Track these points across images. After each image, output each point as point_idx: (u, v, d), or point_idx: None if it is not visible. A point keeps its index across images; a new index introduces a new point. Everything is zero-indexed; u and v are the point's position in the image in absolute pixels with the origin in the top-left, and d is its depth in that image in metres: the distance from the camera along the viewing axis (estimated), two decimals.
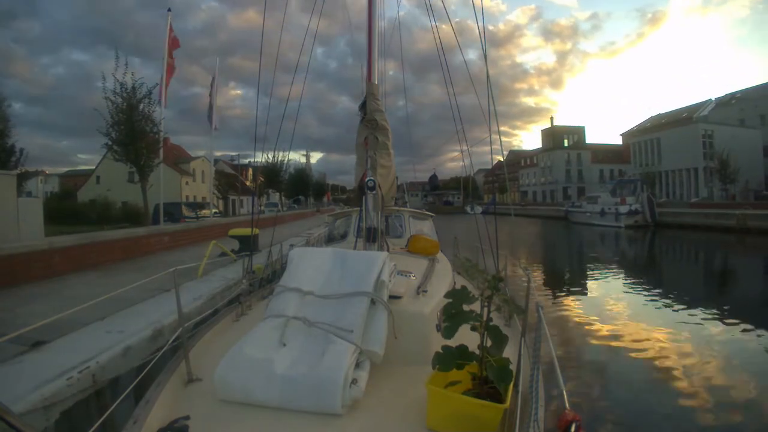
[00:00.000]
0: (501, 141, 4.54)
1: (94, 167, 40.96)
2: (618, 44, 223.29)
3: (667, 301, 9.51)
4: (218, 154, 48.15)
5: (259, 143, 5.21)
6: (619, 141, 73.77)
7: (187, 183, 42.32)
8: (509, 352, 2.07)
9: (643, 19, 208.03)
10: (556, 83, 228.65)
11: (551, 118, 76.70)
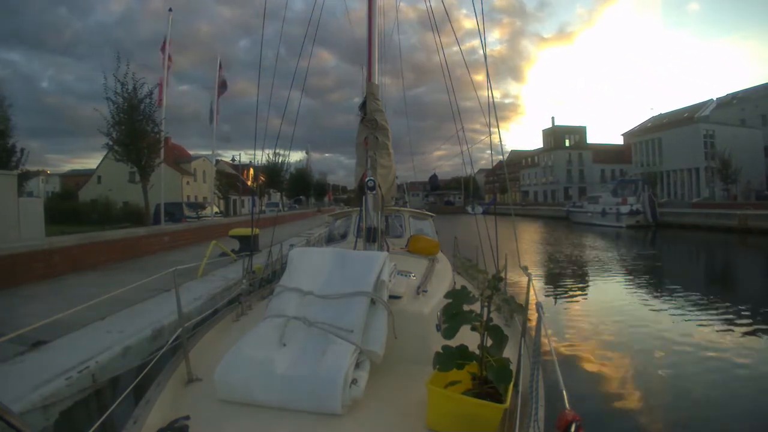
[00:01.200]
0: (501, 141, 4.54)
1: (71, 167, 40.88)
2: (573, 26, 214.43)
3: (668, 300, 9.49)
4: (191, 152, 48.23)
5: (258, 143, 5.20)
6: (620, 141, 73.77)
7: (188, 183, 42.38)
8: (509, 352, 2.07)
9: None
10: (516, 74, 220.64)
11: (552, 118, 76.74)
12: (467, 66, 4.95)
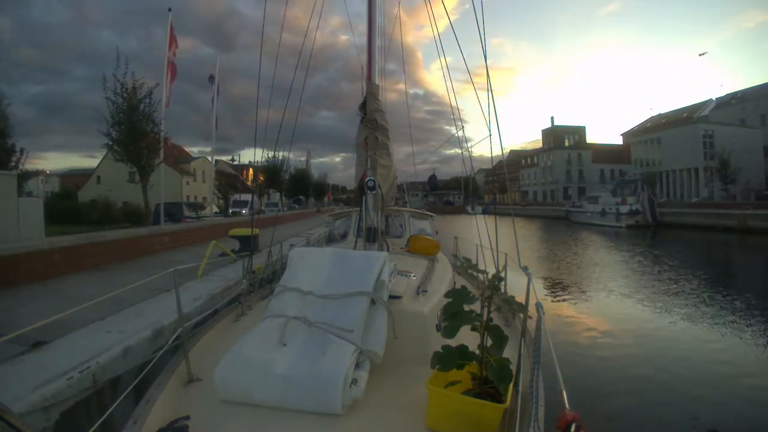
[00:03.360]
0: (501, 141, 4.54)
1: (60, 169, 40.60)
2: None
3: (668, 300, 9.49)
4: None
5: (258, 143, 5.19)
6: (620, 141, 73.81)
7: (187, 183, 42.40)
8: (509, 352, 2.07)
9: None
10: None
11: (551, 118, 76.84)
12: (468, 69, 4.94)
